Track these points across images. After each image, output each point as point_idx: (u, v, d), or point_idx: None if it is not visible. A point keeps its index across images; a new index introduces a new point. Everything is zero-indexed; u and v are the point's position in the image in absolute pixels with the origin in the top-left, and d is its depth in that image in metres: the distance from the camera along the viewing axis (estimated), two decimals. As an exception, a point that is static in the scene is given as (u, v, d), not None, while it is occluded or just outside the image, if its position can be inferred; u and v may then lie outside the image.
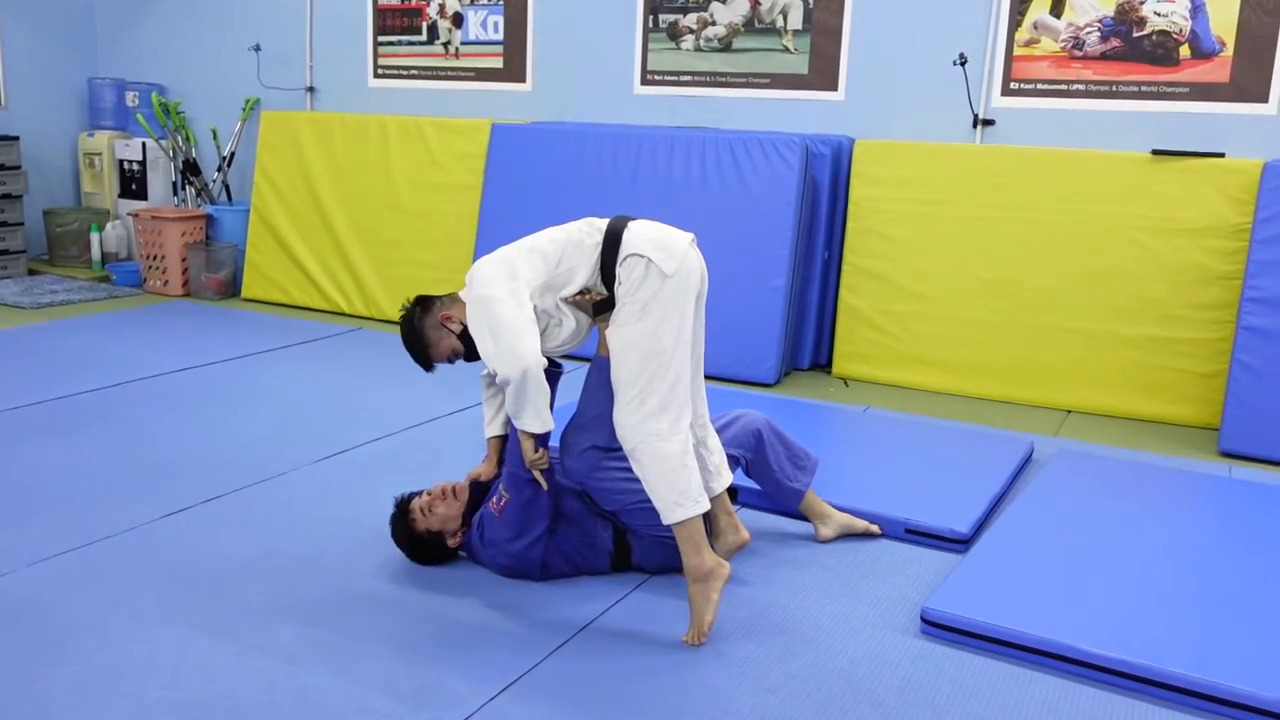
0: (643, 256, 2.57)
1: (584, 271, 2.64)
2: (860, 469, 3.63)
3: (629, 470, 2.64)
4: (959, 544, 3.14)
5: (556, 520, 2.82)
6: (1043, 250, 4.76)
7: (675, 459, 2.54)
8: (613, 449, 2.67)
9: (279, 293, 6.52)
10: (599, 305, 2.66)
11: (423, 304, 2.81)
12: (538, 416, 2.62)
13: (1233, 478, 3.87)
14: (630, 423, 2.56)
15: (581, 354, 2.94)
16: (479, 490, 2.92)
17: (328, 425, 4.11)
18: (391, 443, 3.95)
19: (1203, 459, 4.13)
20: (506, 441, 2.83)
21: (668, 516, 2.57)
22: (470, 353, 2.74)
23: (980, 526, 3.26)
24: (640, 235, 2.62)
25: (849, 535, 3.19)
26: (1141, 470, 3.83)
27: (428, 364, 2.83)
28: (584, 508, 2.85)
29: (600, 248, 2.63)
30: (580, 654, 2.50)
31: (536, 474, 2.71)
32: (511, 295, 2.60)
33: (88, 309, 6.20)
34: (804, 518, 3.19)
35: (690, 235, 2.69)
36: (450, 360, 2.81)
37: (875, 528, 3.20)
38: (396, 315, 6.52)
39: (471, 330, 2.66)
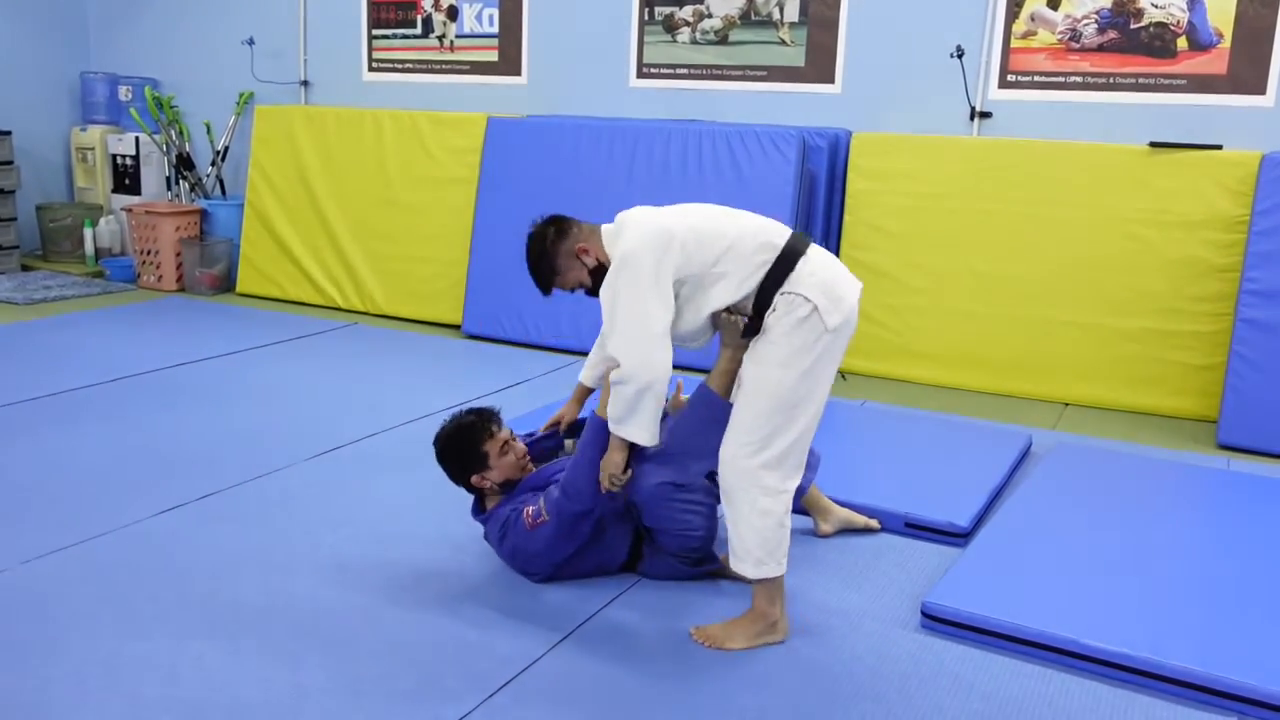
0: (809, 301, 2.41)
1: (736, 284, 2.46)
2: (859, 463, 3.62)
3: (694, 507, 2.63)
4: (958, 538, 3.13)
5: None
6: (1040, 243, 4.75)
7: (775, 519, 2.45)
8: (683, 484, 2.63)
9: (273, 288, 6.50)
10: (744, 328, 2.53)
11: (559, 226, 2.61)
12: (645, 430, 2.48)
13: (1231, 470, 3.87)
14: (741, 466, 2.44)
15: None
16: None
17: (323, 421, 4.09)
18: (387, 438, 3.93)
19: (1201, 451, 4.13)
20: (586, 400, 2.85)
21: (749, 570, 2.48)
22: (599, 285, 2.58)
23: (979, 520, 3.25)
24: (814, 275, 2.45)
25: (849, 530, 3.18)
26: (1140, 463, 3.83)
27: (547, 289, 2.65)
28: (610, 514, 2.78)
29: (769, 267, 2.45)
30: (579, 650, 2.49)
31: (610, 486, 2.57)
32: (656, 284, 2.42)
33: (81, 305, 6.17)
34: (804, 512, 3.18)
35: (860, 285, 2.55)
36: (572, 291, 2.66)
37: (875, 523, 3.19)
38: (391, 310, 6.47)
39: (604, 291, 2.49)
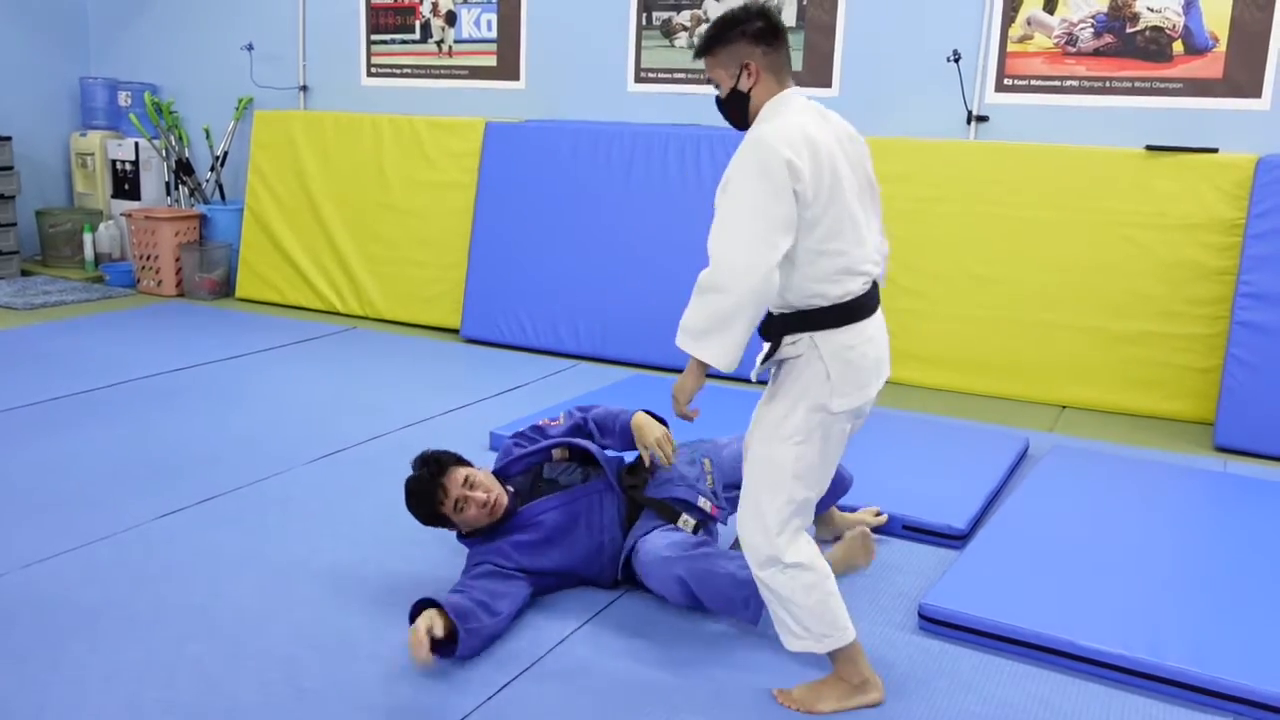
0: (829, 378, 2.20)
1: (791, 279, 2.19)
2: (856, 465, 3.61)
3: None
4: (956, 540, 3.14)
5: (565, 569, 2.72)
6: (1037, 246, 4.77)
7: (822, 589, 2.25)
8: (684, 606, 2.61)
9: (273, 292, 6.51)
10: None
11: (770, 31, 2.25)
12: (728, 353, 2.13)
13: (1228, 472, 3.87)
14: (768, 553, 2.24)
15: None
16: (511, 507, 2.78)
17: (322, 425, 4.10)
18: (386, 442, 3.94)
19: (1198, 454, 4.13)
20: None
21: (817, 648, 2.27)
22: (726, 107, 2.32)
23: (977, 522, 3.26)
24: (851, 349, 2.21)
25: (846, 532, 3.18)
26: (1137, 465, 3.83)
27: (702, 52, 2.31)
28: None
29: (824, 305, 2.19)
30: (576, 654, 2.49)
31: (681, 414, 2.31)
32: (791, 204, 2.11)
33: (81, 310, 6.18)
34: None
35: (887, 376, 2.33)
36: (707, 80, 2.36)
37: (869, 527, 3.14)
38: (390, 314, 6.46)
39: (736, 165, 2.17)
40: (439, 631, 2.30)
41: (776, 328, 2.26)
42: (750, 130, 2.25)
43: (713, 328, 2.14)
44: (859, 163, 2.29)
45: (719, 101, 2.34)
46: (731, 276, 2.11)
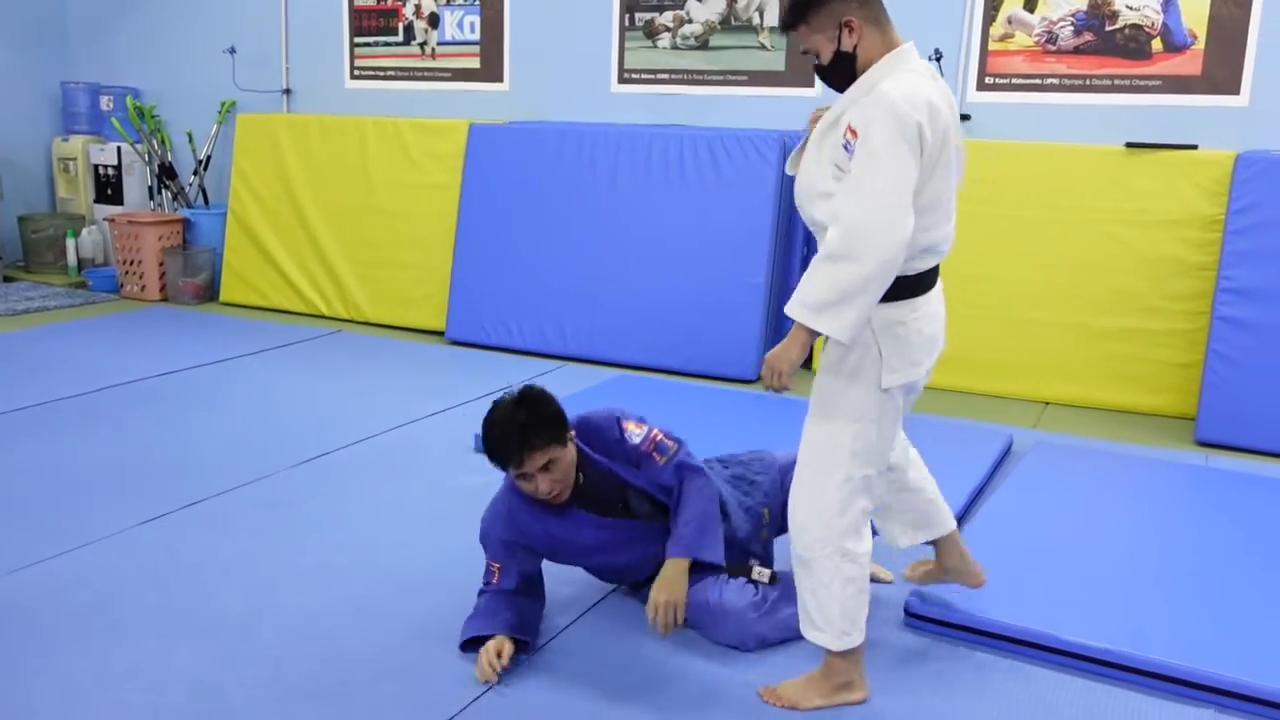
0: (880, 356, 2.13)
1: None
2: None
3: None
4: (940, 536, 3.15)
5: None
6: (1019, 244, 4.79)
7: (857, 585, 2.21)
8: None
9: (257, 296, 6.49)
10: None
11: None
12: (850, 327, 2.01)
13: (1209, 466, 3.91)
14: (820, 535, 2.18)
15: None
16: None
17: (307, 429, 4.09)
18: (372, 445, 3.93)
19: (1180, 448, 4.17)
20: None
21: (832, 643, 2.24)
22: (832, 73, 2.17)
23: (961, 519, 3.27)
24: (904, 324, 2.14)
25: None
26: (1119, 460, 3.86)
27: (789, 26, 2.18)
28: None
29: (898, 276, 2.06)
30: (568, 651, 2.50)
31: (773, 385, 2.14)
32: (920, 172, 2.02)
33: (64, 315, 6.16)
34: None
35: (941, 349, 2.28)
36: (804, 53, 2.19)
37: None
38: (376, 317, 6.45)
39: (869, 127, 2.01)
40: (506, 661, 2.36)
41: None
42: (865, 82, 2.11)
43: (838, 299, 2.01)
44: (958, 133, 2.19)
45: (819, 69, 2.19)
46: (867, 244, 1.99)
